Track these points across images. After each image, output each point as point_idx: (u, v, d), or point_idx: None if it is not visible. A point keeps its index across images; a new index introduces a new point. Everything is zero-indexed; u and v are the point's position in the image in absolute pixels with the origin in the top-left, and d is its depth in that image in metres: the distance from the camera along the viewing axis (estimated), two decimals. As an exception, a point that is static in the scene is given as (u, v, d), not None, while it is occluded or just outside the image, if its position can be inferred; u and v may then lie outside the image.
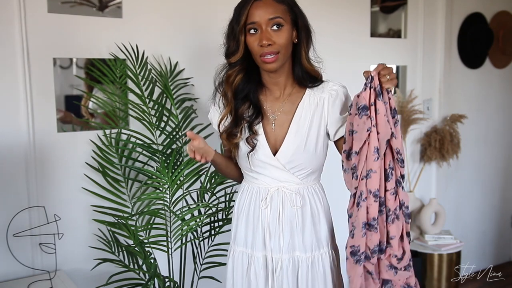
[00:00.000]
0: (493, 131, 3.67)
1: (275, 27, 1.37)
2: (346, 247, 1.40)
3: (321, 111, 1.46)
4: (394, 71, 3.24)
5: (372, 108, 1.30)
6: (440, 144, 3.15)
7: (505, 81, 3.69)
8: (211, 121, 1.59)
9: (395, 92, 3.14)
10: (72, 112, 2.08)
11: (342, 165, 1.40)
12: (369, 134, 1.30)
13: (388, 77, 1.30)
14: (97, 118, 2.14)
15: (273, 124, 1.48)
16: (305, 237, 1.47)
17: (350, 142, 1.35)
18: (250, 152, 1.46)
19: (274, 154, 1.45)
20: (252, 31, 1.39)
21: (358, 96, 1.31)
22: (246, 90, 1.48)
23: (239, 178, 1.62)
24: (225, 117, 1.50)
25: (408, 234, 1.39)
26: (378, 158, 1.31)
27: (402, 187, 1.37)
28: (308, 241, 1.47)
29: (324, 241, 1.49)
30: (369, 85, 1.30)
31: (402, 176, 1.37)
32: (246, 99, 1.48)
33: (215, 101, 1.55)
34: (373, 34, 2.96)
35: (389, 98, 1.32)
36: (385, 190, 1.35)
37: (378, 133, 1.30)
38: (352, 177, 1.36)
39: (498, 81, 3.64)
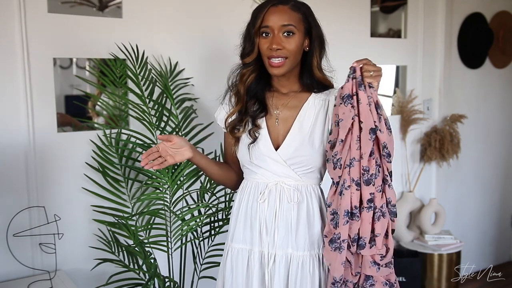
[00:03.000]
0: (493, 131, 3.67)
1: (286, 34, 1.42)
2: (325, 235, 1.43)
3: (325, 112, 1.49)
4: (394, 71, 3.25)
5: (355, 98, 1.33)
6: (440, 144, 3.15)
7: (505, 81, 3.69)
8: (216, 119, 1.62)
9: (394, 92, 3.14)
10: (71, 113, 2.08)
11: (326, 155, 1.44)
12: (352, 124, 1.33)
13: (371, 73, 1.32)
14: (98, 118, 2.14)
15: (277, 119, 1.51)
16: (298, 236, 1.47)
17: (336, 132, 1.38)
18: (251, 143, 1.49)
19: (276, 149, 1.47)
20: (264, 34, 1.44)
21: (342, 87, 1.35)
22: (255, 90, 1.53)
23: (232, 183, 1.65)
24: (234, 114, 1.54)
25: (392, 232, 1.40)
26: (360, 147, 1.33)
27: (389, 185, 1.37)
28: (301, 240, 1.48)
29: (316, 243, 1.49)
30: (352, 75, 1.33)
31: (390, 173, 1.37)
32: (254, 97, 1.53)
33: (224, 101, 1.59)
34: (373, 34, 2.96)
35: (371, 93, 1.33)
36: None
37: (361, 122, 1.32)
38: (335, 167, 1.38)
39: (498, 81, 3.64)
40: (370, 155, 1.34)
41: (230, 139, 1.57)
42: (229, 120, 1.54)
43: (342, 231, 1.37)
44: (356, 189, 1.35)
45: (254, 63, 1.48)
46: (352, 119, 1.33)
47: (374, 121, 1.32)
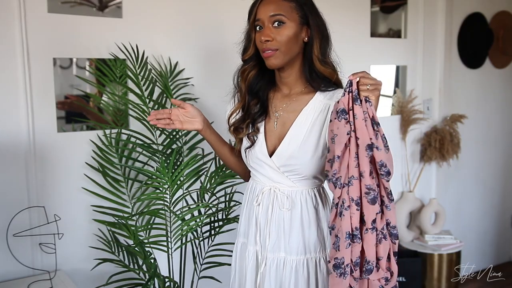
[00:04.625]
0: (493, 131, 3.67)
1: (276, 24, 1.38)
2: (328, 261, 1.35)
3: (324, 117, 1.42)
4: (394, 71, 3.24)
5: (351, 113, 1.25)
6: (440, 144, 3.15)
7: (505, 81, 3.69)
8: (226, 114, 1.60)
9: (394, 92, 3.14)
10: (71, 113, 2.08)
11: (326, 175, 1.35)
12: (349, 139, 1.25)
13: (368, 87, 1.24)
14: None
15: (276, 123, 1.47)
16: (291, 240, 1.45)
17: (332, 149, 1.29)
18: (248, 148, 1.48)
19: (272, 154, 1.45)
20: (258, 28, 1.41)
21: (338, 101, 1.28)
22: (258, 87, 1.50)
23: (240, 170, 1.65)
24: (237, 111, 1.53)
25: (395, 254, 1.33)
26: (358, 165, 1.25)
27: (386, 206, 1.28)
28: (294, 244, 1.45)
29: (312, 247, 1.46)
30: (348, 89, 1.25)
31: (389, 193, 1.28)
32: (256, 95, 1.51)
33: (233, 99, 1.58)
34: (373, 34, 2.96)
35: (367, 108, 1.24)
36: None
37: (357, 138, 1.25)
38: (335, 186, 1.29)
39: (498, 81, 3.64)
40: (370, 174, 1.26)
41: (234, 137, 1.56)
42: (233, 117, 1.54)
43: (345, 255, 1.27)
44: (356, 209, 1.26)
45: (254, 59, 1.46)
46: (348, 134, 1.25)
47: (370, 138, 1.24)
